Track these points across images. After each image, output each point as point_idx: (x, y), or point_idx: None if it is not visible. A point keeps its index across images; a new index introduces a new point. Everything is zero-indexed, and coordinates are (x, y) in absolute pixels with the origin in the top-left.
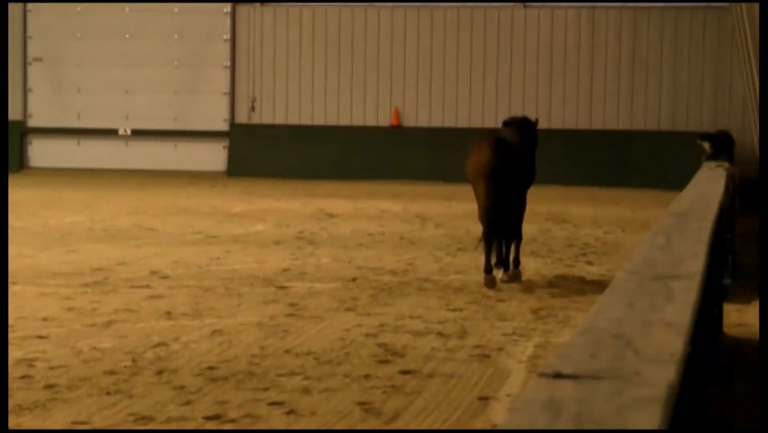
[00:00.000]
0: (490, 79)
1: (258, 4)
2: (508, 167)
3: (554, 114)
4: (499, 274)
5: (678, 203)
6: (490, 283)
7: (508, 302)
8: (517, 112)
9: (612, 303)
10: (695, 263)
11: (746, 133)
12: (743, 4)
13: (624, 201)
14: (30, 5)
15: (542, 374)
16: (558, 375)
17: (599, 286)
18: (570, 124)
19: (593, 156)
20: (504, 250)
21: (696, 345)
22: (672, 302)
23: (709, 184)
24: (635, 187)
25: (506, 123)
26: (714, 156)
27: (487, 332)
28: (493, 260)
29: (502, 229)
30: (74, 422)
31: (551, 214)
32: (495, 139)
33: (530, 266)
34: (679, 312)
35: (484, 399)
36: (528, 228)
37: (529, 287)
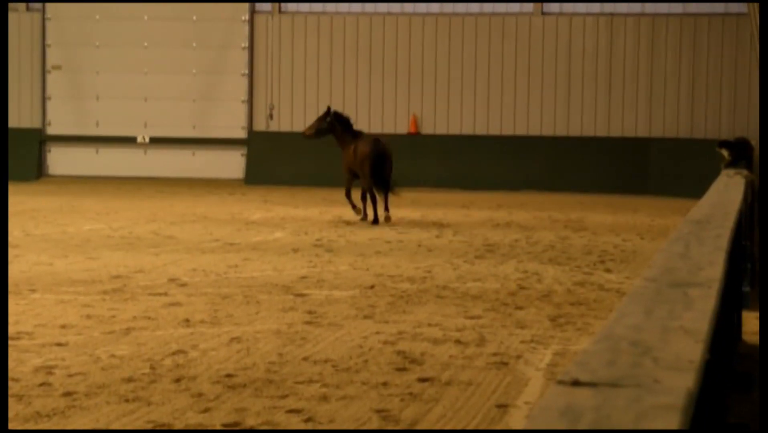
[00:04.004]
0: (507, 86)
1: (276, 13)
2: (385, 157)
3: (572, 121)
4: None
5: (697, 211)
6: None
7: (526, 309)
8: (535, 118)
9: (630, 311)
10: (714, 270)
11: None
12: (754, 5)
13: (642, 208)
14: (49, 13)
15: (560, 382)
16: (576, 383)
17: (618, 293)
18: (588, 131)
19: (611, 163)
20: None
21: (715, 352)
22: (690, 309)
23: (728, 191)
24: (653, 195)
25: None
26: (733, 163)
27: (506, 339)
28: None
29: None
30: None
31: (569, 222)
32: (374, 139)
33: (548, 273)
34: (698, 319)
35: (502, 407)
36: (546, 235)
37: (547, 295)
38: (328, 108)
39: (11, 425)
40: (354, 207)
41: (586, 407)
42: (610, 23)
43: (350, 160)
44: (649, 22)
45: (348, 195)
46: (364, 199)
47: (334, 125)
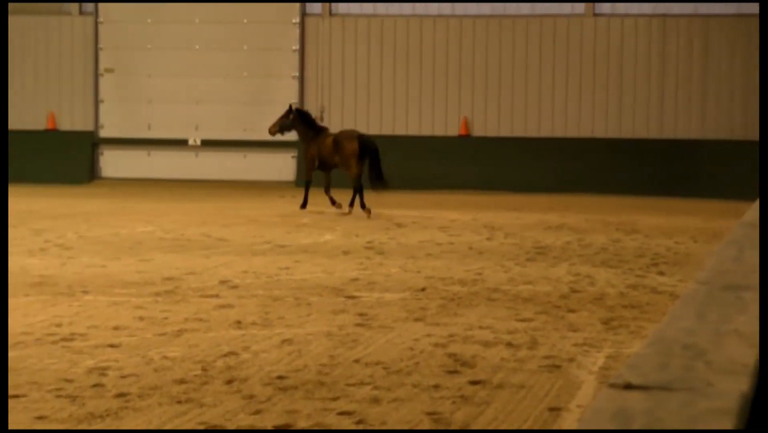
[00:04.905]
0: (559, 88)
1: (327, 15)
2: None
3: (624, 123)
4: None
5: (751, 213)
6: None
7: (578, 312)
8: (587, 120)
9: (683, 314)
10: None
11: None
12: None
13: (695, 211)
14: (101, 17)
15: (612, 385)
16: (628, 386)
17: (670, 296)
18: (640, 133)
19: (664, 166)
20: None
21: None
22: (744, 312)
23: None
24: (707, 197)
25: None
26: None
27: (558, 342)
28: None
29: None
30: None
31: (621, 224)
32: (358, 135)
33: (601, 276)
34: (751, 323)
35: (554, 410)
36: (598, 238)
37: (600, 298)
38: (290, 105)
39: (64, 426)
40: (305, 198)
41: (637, 411)
42: (662, 24)
43: (326, 153)
44: (702, 23)
45: (306, 187)
46: (327, 190)
47: (296, 121)
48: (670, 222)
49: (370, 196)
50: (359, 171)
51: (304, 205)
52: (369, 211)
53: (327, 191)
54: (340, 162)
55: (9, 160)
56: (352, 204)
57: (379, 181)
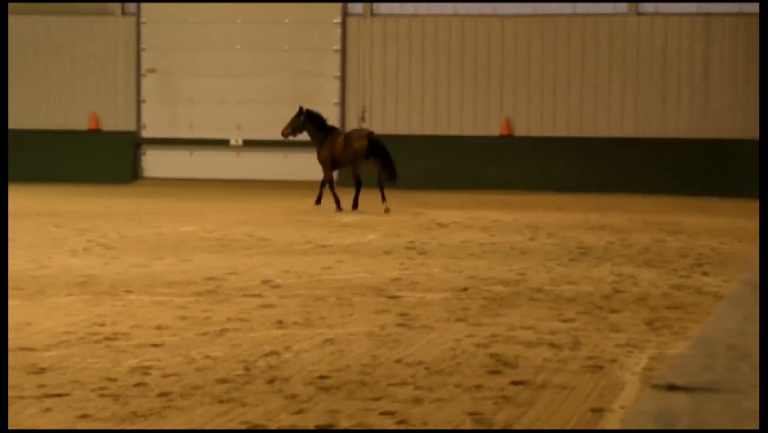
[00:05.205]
0: (601, 87)
1: (368, 15)
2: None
3: (668, 123)
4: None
5: None
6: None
7: (621, 312)
8: (630, 120)
9: (727, 314)
10: None
11: None
12: None
13: (740, 211)
14: (144, 17)
15: (655, 386)
16: (671, 387)
17: (715, 297)
18: (684, 133)
19: (708, 165)
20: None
21: None
22: None
23: None
24: (751, 198)
25: None
26: None
27: (600, 343)
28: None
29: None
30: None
31: (665, 224)
32: (368, 133)
33: (644, 276)
34: None
35: (597, 411)
36: (641, 238)
37: (643, 298)
38: (300, 107)
39: (106, 425)
40: (335, 197)
41: (681, 412)
42: (707, 23)
43: (337, 153)
44: (746, 22)
45: (332, 187)
46: (325, 186)
47: (307, 123)
48: (714, 222)
49: (411, 196)
50: (359, 169)
51: (338, 205)
52: (356, 208)
53: (332, 189)
54: (347, 160)
55: (53, 161)
56: (355, 203)
57: (392, 177)
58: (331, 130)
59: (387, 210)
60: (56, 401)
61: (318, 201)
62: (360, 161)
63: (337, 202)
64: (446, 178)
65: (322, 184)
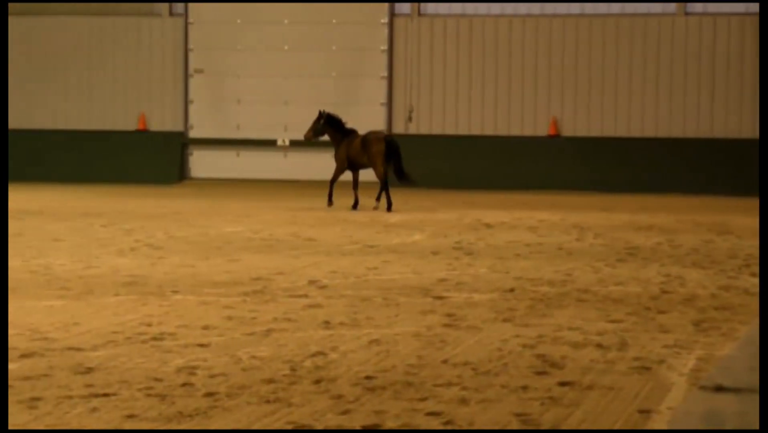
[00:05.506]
0: (650, 88)
1: (415, 15)
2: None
3: (716, 123)
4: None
5: None
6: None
7: (669, 313)
8: (678, 120)
9: None
10: None
11: None
12: None
13: None
14: (191, 18)
15: (703, 387)
16: (719, 388)
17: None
18: (733, 133)
19: (757, 166)
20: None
21: None
22: None
23: None
24: None
25: None
26: None
27: (648, 344)
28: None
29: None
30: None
31: (713, 225)
32: (385, 136)
33: (692, 277)
34: None
35: (644, 412)
36: (689, 239)
37: (691, 299)
38: (320, 111)
39: (153, 425)
40: (330, 197)
41: (728, 413)
42: (755, 23)
43: (354, 154)
44: None
45: (331, 186)
46: (355, 188)
47: (326, 126)
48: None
49: (458, 196)
50: (385, 169)
51: (330, 203)
52: (377, 206)
53: (355, 188)
54: (367, 162)
55: (101, 161)
56: (378, 198)
57: (403, 177)
58: (349, 133)
59: (376, 208)
60: (103, 401)
61: (329, 202)
62: (380, 161)
63: (330, 197)
64: (493, 178)
65: (331, 182)
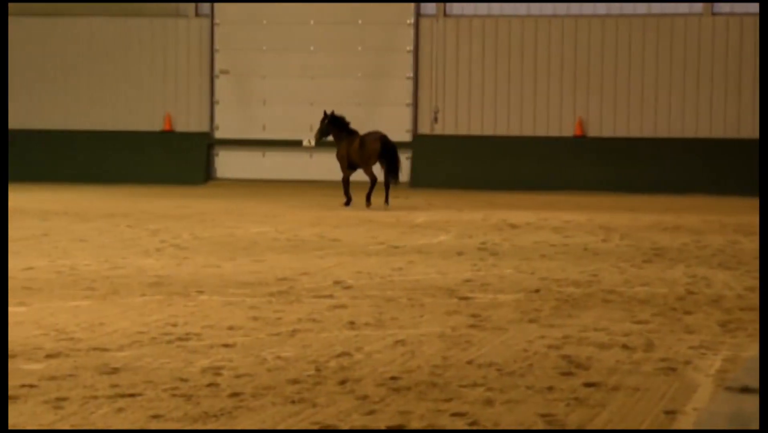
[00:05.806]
0: (676, 88)
1: (441, 16)
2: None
3: (743, 123)
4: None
5: None
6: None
7: (695, 314)
8: (704, 120)
9: None
10: None
11: None
12: None
13: None
14: (217, 18)
15: (729, 388)
16: (745, 389)
17: None
18: (760, 133)
19: None
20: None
21: None
22: None
23: None
24: None
25: None
26: None
27: (674, 345)
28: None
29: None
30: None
31: (740, 226)
32: (381, 136)
33: (718, 278)
34: None
35: (670, 413)
36: (715, 239)
37: (717, 300)
38: (325, 112)
39: (178, 425)
40: (347, 195)
41: (755, 414)
42: None
43: (353, 153)
44: None
45: (345, 184)
46: (346, 184)
47: (331, 126)
48: None
49: (483, 197)
50: (372, 168)
51: (348, 201)
52: (369, 204)
53: (346, 186)
54: (362, 160)
55: (126, 161)
56: (368, 198)
57: (394, 176)
58: (351, 133)
59: (369, 206)
60: (129, 401)
61: (347, 202)
62: (373, 161)
63: (348, 198)
64: (518, 178)
65: (343, 182)
